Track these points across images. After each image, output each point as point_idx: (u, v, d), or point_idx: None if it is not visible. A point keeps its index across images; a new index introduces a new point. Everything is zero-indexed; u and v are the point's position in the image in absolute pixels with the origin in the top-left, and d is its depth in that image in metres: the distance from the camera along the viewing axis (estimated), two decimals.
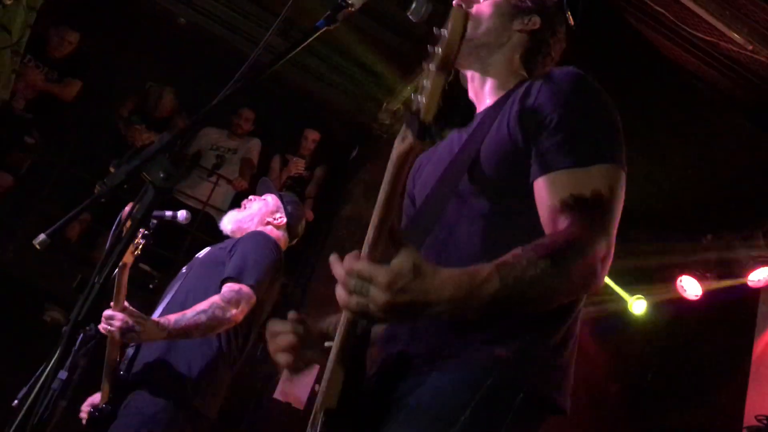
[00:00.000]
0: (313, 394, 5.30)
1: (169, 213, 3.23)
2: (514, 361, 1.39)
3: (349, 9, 1.72)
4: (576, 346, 1.50)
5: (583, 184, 1.38)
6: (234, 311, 2.95)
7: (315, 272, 6.09)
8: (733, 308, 5.34)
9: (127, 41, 6.64)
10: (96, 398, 2.99)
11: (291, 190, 6.05)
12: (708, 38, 4.04)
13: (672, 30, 4.12)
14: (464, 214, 1.52)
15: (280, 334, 1.50)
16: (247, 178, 6.42)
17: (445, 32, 1.15)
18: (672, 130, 4.94)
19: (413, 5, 1.79)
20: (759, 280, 5.10)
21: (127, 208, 2.29)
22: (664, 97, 4.66)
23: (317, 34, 1.70)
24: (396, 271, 1.16)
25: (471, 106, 1.63)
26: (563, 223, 1.36)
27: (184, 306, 2.98)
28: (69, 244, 5.95)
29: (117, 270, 2.74)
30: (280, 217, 3.49)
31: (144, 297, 4.81)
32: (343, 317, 1.32)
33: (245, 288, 3.01)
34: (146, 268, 5.72)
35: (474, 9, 1.73)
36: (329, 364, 1.32)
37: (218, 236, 3.60)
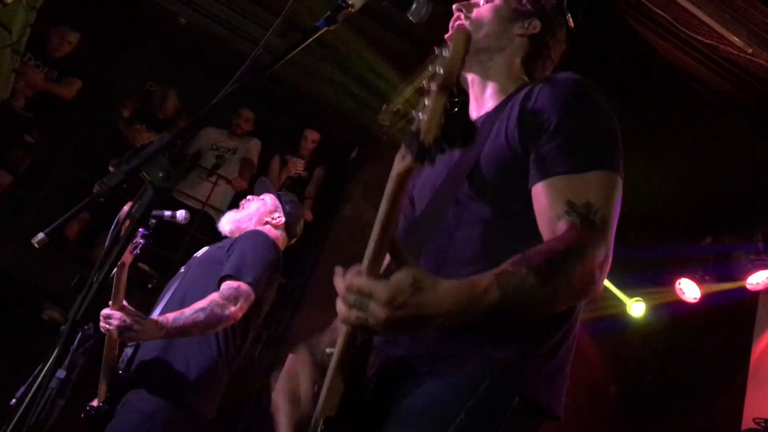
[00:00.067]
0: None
1: (168, 213, 3.23)
2: (511, 365, 1.39)
3: (349, 9, 1.72)
4: (573, 350, 1.51)
5: (580, 189, 1.39)
6: (233, 308, 2.95)
7: (314, 273, 6.08)
8: (731, 311, 5.33)
9: (127, 41, 6.63)
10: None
11: (290, 191, 6.04)
12: (708, 41, 4.04)
13: (672, 33, 4.12)
14: (464, 219, 1.52)
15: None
16: (247, 179, 6.41)
17: (446, 52, 1.16)
18: (671, 132, 4.94)
19: (413, 6, 1.79)
20: (758, 283, 5.08)
21: (126, 208, 2.30)
22: (663, 99, 4.66)
23: (317, 34, 1.70)
24: (395, 286, 1.17)
25: (473, 125, 1.64)
26: (561, 228, 1.36)
27: (182, 305, 2.98)
28: (68, 243, 5.94)
29: (116, 269, 2.74)
30: (279, 217, 3.48)
31: (143, 296, 4.82)
32: (344, 328, 1.32)
33: (244, 285, 3.01)
34: (145, 267, 5.72)
35: (474, 13, 1.73)
36: (329, 372, 1.33)
37: (217, 236, 3.60)
